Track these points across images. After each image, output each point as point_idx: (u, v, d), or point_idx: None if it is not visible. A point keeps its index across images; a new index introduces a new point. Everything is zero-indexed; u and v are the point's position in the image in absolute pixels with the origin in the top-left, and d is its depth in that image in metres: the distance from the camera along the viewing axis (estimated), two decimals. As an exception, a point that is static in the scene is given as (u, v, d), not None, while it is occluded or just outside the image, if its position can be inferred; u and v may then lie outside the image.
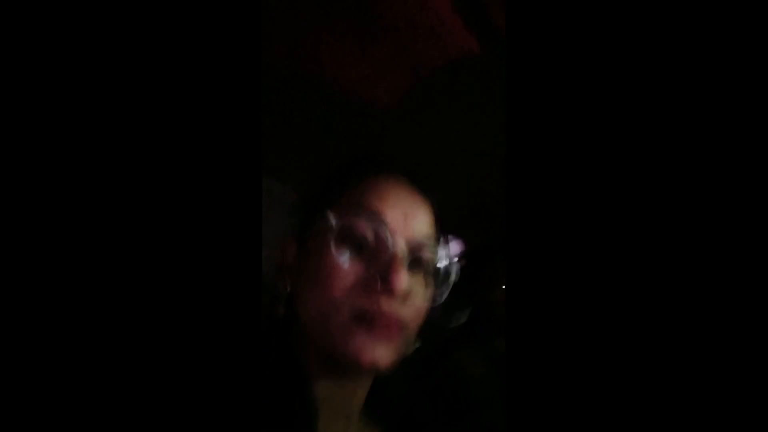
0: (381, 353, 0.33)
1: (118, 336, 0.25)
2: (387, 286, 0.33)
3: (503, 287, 0.90)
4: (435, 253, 0.37)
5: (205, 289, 0.26)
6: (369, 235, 0.34)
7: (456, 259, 0.38)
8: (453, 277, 0.38)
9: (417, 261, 0.36)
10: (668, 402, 0.23)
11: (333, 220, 0.35)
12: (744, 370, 0.22)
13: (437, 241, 0.37)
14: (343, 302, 0.33)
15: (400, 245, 0.34)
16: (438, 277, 0.37)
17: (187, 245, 0.26)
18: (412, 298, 0.35)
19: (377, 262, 0.34)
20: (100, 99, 0.25)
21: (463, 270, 0.38)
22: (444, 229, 0.40)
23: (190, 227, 0.26)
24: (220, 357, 0.26)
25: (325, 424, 0.34)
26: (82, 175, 0.25)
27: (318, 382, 0.35)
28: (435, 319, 0.39)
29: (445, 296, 0.37)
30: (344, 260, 0.34)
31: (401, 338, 0.35)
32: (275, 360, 0.35)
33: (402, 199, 0.36)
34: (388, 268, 0.33)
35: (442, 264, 0.38)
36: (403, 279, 0.33)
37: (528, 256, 0.27)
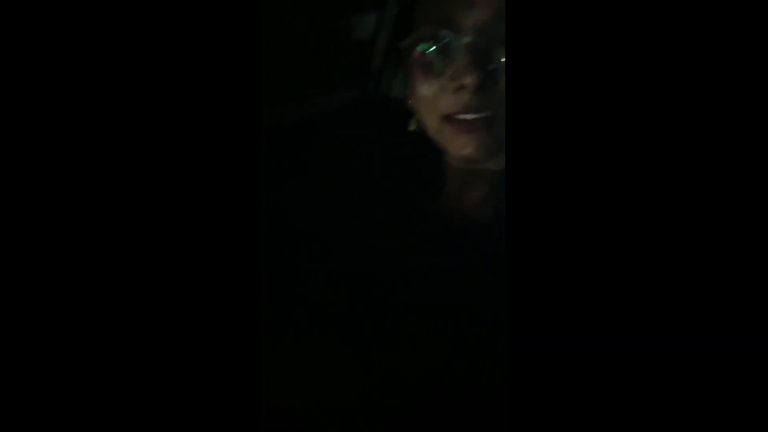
0: (468, 149, 0.36)
1: (114, 328, 0.24)
2: (458, 84, 0.34)
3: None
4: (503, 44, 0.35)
5: (204, 286, 0.26)
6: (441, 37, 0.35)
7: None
8: None
9: (485, 55, 0.35)
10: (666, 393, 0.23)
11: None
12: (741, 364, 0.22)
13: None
14: (431, 105, 0.36)
15: (464, 40, 0.34)
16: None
17: (186, 234, 0.26)
18: (485, 92, 0.34)
19: (452, 63, 0.35)
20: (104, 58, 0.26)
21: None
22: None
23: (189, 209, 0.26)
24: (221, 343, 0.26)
25: None
26: (83, 163, 0.25)
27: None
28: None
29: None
30: (426, 66, 0.36)
31: (487, 132, 0.35)
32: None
33: None
34: (457, 66, 0.34)
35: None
36: (469, 73, 0.33)
37: (528, 254, 0.27)
